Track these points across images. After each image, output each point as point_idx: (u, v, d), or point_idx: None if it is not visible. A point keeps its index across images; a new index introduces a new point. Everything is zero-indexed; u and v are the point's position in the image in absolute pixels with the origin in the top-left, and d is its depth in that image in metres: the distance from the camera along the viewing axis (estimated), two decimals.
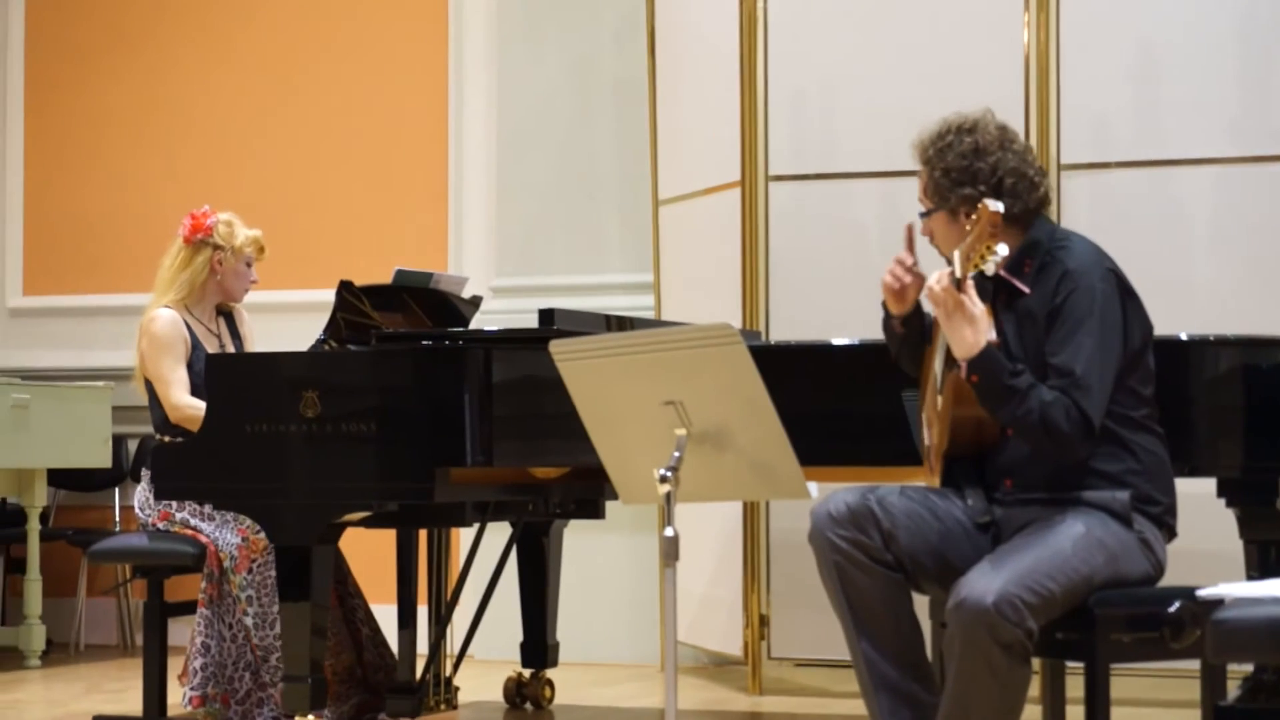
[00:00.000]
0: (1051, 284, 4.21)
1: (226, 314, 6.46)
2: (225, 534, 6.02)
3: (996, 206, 3.94)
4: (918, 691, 4.22)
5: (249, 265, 6.36)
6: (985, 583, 3.95)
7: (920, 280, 4.39)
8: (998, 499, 4.28)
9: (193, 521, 6.09)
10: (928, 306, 4.34)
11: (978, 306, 4.07)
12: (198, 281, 6.32)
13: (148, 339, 6.21)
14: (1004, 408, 4.11)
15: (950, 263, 4.13)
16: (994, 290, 4.21)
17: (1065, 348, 4.14)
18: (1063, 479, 4.20)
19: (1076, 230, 5.49)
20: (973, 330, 4.07)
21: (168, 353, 6.17)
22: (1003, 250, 3.97)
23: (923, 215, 4.38)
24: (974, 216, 3.99)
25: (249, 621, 5.94)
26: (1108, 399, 4.14)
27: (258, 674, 5.96)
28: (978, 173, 4.27)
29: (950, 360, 4.20)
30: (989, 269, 3.99)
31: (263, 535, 5.93)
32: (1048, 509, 4.19)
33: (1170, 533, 4.29)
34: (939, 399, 4.32)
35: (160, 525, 6.14)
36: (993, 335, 4.13)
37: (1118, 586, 4.11)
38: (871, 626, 4.22)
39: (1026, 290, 4.24)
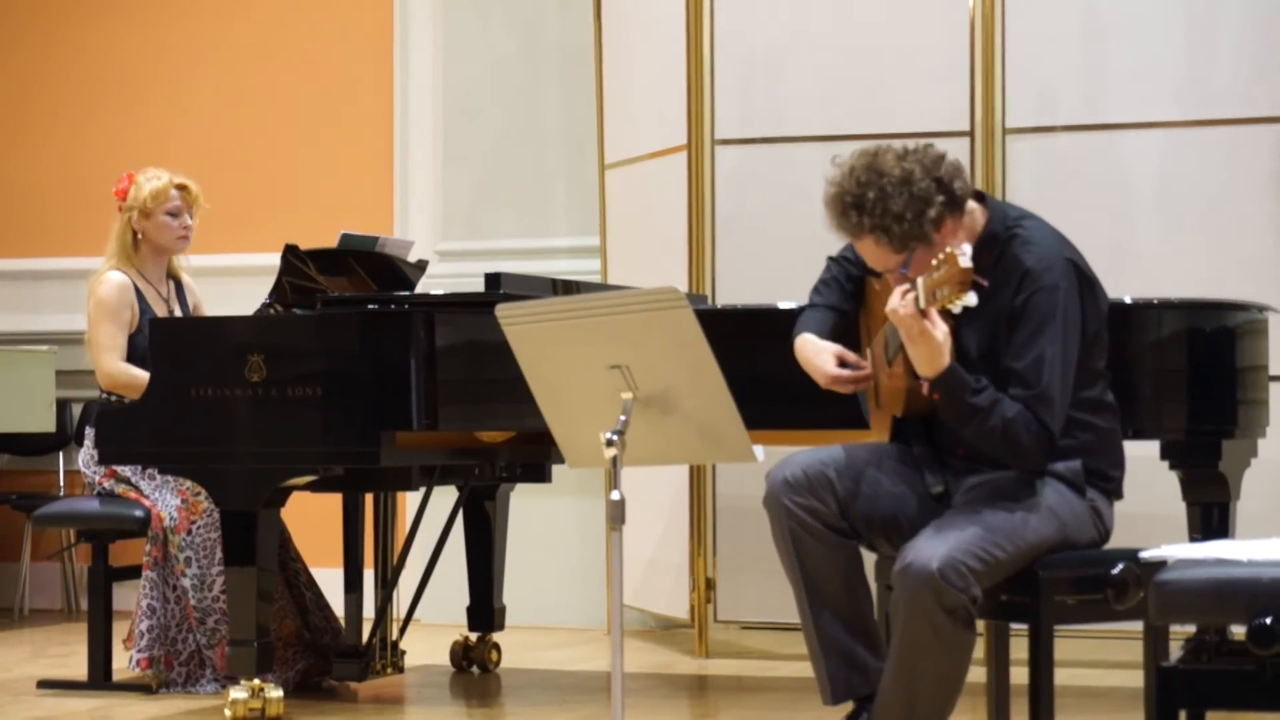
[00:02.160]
0: (1012, 281, 4.14)
1: (178, 281, 6.45)
2: (165, 495, 6.03)
3: (966, 262, 3.87)
4: (865, 657, 4.23)
5: (174, 215, 6.31)
6: (931, 548, 3.96)
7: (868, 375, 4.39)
8: (948, 464, 4.28)
9: (133, 479, 6.09)
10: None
11: (940, 329, 4.00)
12: (127, 245, 6.31)
13: (93, 301, 6.21)
14: (967, 425, 4.08)
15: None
16: None
17: (1027, 354, 4.08)
18: None
19: (1024, 196, 5.50)
20: (938, 353, 4.01)
21: (110, 319, 6.16)
22: (971, 300, 3.89)
23: (903, 270, 4.16)
24: (941, 258, 3.91)
25: (186, 583, 5.94)
26: (1068, 404, 4.12)
27: (198, 641, 5.96)
28: (925, 195, 4.10)
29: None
30: (955, 309, 3.94)
31: (202, 497, 5.93)
32: (1001, 474, 4.19)
33: (1117, 498, 4.31)
34: (887, 360, 4.30)
35: (105, 484, 6.13)
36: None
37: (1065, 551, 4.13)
38: (824, 592, 4.23)
39: (984, 284, 4.16)
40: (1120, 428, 4.32)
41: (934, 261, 3.94)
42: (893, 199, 4.09)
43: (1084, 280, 4.20)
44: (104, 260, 6.33)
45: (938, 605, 3.94)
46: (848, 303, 4.52)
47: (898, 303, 4.01)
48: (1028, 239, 4.19)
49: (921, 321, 3.98)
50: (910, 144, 4.20)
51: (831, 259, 4.61)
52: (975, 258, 4.06)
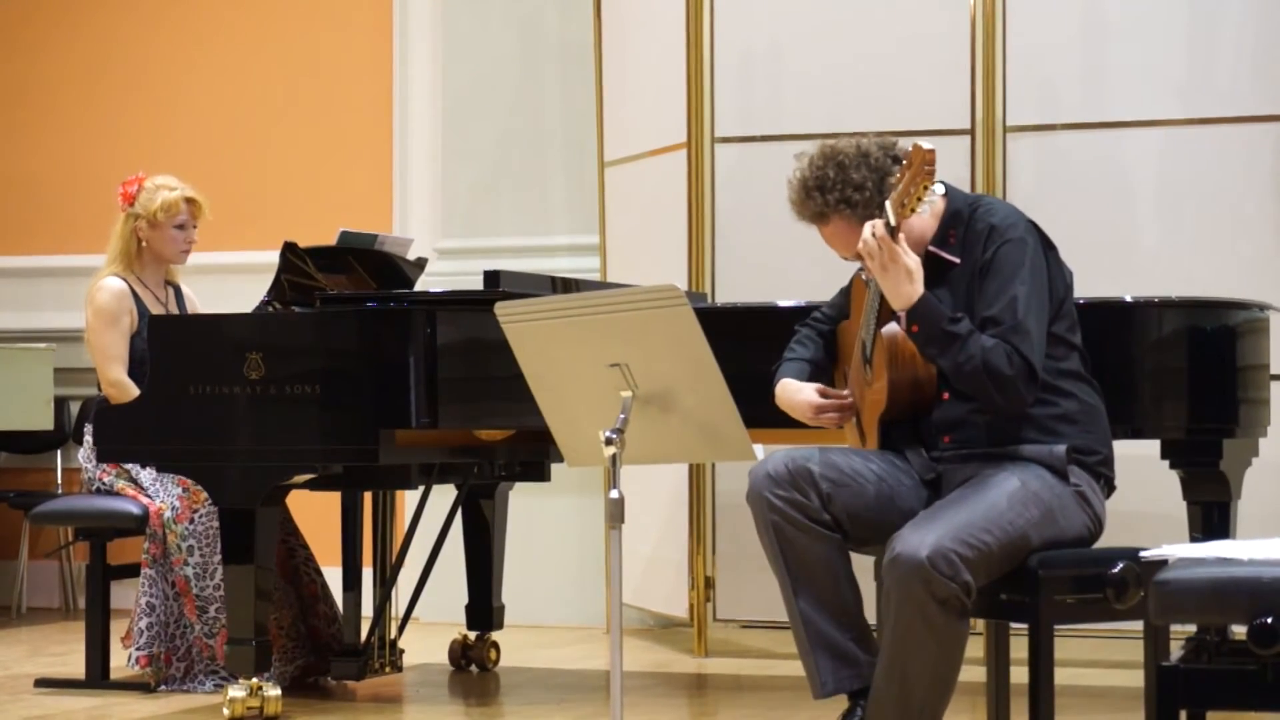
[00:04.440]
0: (979, 243, 4.24)
1: (175, 287, 6.45)
2: (167, 484, 6.03)
3: (928, 145, 3.95)
4: (855, 651, 4.22)
5: (180, 228, 6.31)
6: (919, 537, 3.96)
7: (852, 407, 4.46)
8: (936, 456, 4.29)
9: (133, 471, 6.09)
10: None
11: (912, 258, 4.10)
12: (130, 251, 6.32)
13: (92, 309, 6.21)
14: (945, 354, 4.12)
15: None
16: (925, 267, 4.20)
17: (1000, 298, 4.16)
18: (1000, 433, 4.22)
19: (1023, 193, 5.50)
20: (909, 281, 4.10)
21: (111, 326, 6.17)
22: (940, 189, 3.99)
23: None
24: (904, 163, 4.01)
25: (189, 572, 5.94)
26: (1044, 345, 4.17)
27: (196, 632, 5.95)
28: (883, 166, 4.26)
29: (881, 320, 4.21)
30: (924, 210, 4.02)
31: None
32: (986, 464, 4.20)
33: (1109, 485, 4.30)
34: (867, 368, 4.32)
35: (106, 479, 6.13)
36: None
37: (1056, 542, 4.12)
38: (809, 586, 4.23)
39: (957, 261, 4.26)
40: (1103, 404, 4.33)
41: (896, 176, 4.05)
42: (852, 170, 4.25)
43: (1045, 242, 4.30)
44: (104, 261, 6.33)
45: (929, 595, 3.93)
46: (822, 357, 4.62)
47: (867, 233, 4.11)
48: (990, 207, 4.32)
49: (893, 246, 4.07)
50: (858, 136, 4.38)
51: (800, 324, 4.73)
52: (942, 234, 4.23)
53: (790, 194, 4.35)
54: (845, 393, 4.46)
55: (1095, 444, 4.27)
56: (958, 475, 4.23)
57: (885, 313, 4.22)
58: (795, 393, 4.48)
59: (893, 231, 4.06)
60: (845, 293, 4.62)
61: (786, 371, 4.56)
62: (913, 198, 3.97)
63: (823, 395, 4.45)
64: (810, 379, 4.53)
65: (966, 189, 5.38)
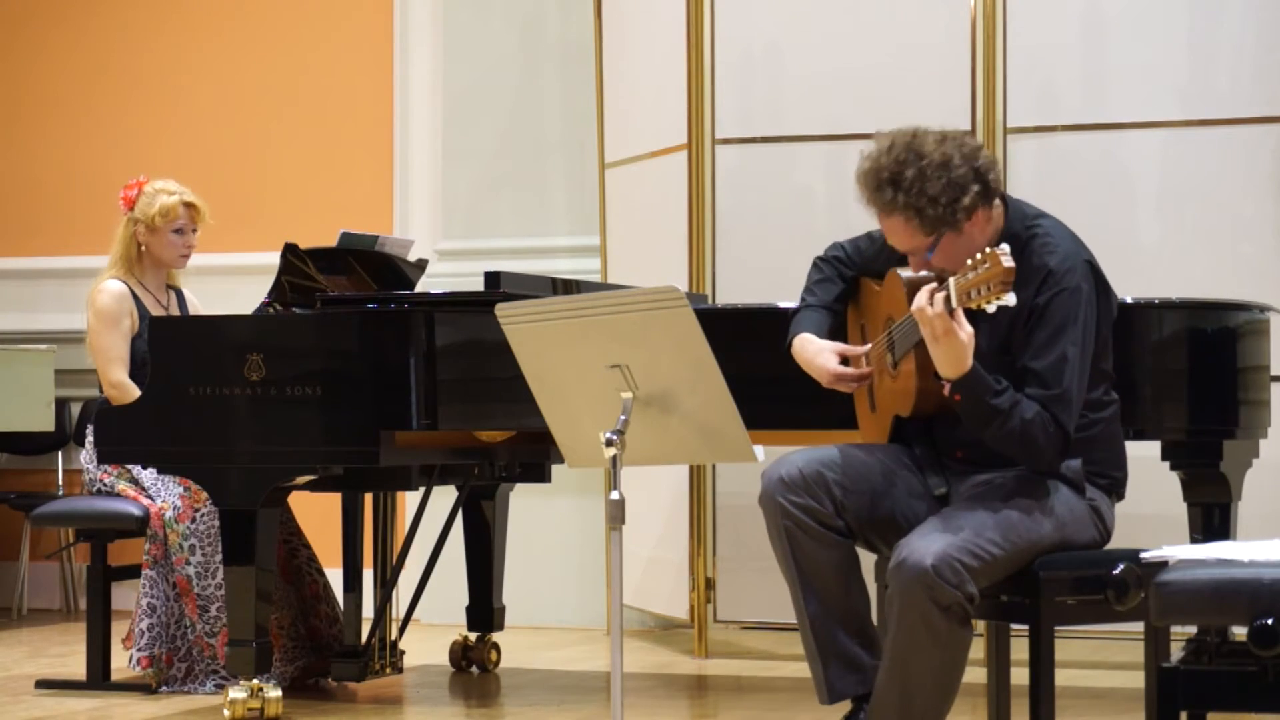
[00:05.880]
0: (1033, 280, 4.11)
1: (178, 291, 6.45)
2: (168, 483, 6.03)
3: (1009, 262, 3.80)
4: (862, 656, 4.22)
5: (179, 233, 6.31)
6: (926, 544, 3.94)
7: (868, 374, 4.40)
8: (947, 465, 4.28)
9: (134, 471, 6.09)
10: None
11: (966, 331, 3.95)
12: (130, 255, 6.32)
13: (92, 311, 6.22)
14: (986, 427, 4.06)
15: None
16: None
17: (1047, 355, 4.07)
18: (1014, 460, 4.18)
19: (1025, 195, 5.48)
20: (960, 355, 3.97)
21: (112, 328, 6.17)
22: (1011, 300, 3.83)
23: (928, 256, 4.15)
24: (980, 257, 3.85)
25: (190, 571, 5.93)
26: (1082, 404, 4.11)
27: (197, 631, 5.95)
28: (962, 181, 4.09)
29: (921, 345, 4.11)
30: (990, 309, 3.88)
31: None
32: (1000, 473, 4.18)
33: (1119, 497, 4.30)
34: (891, 361, 4.28)
35: (107, 480, 6.13)
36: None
37: (1064, 551, 4.12)
38: (819, 591, 4.22)
39: (1013, 302, 4.12)
40: (1122, 428, 4.31)
41: (970, 261, 3.89)
42: (930, 181, 4.08)
43: (1100, 282, 4.20)
44: (107, 264, 6.34)
45: (932, 602, 3.93)
46: (841, 303, 4.54)
47: (925, 301, 3.95)
48: (1047, 239, 4.18)
49: (949, 321, 3.93)
50: (947, 129, 4.20)
51: (821, 259, 4.62)
52: None
53: (860, 175, 4.17)
54: (864, 351, 4.39)
55: (1109, 468, 4.25)
56: (969, 483, 4.23)
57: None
58: (815, 354, 4.40)
59: (951, 311, 3.93)
60: (874, 242, 4.49)
61: (806, 323, 4.48)
62: (980, 299, 3.84)
63: (841, 360, 4.37)
64: (831, 328, 4.46)
65: None
